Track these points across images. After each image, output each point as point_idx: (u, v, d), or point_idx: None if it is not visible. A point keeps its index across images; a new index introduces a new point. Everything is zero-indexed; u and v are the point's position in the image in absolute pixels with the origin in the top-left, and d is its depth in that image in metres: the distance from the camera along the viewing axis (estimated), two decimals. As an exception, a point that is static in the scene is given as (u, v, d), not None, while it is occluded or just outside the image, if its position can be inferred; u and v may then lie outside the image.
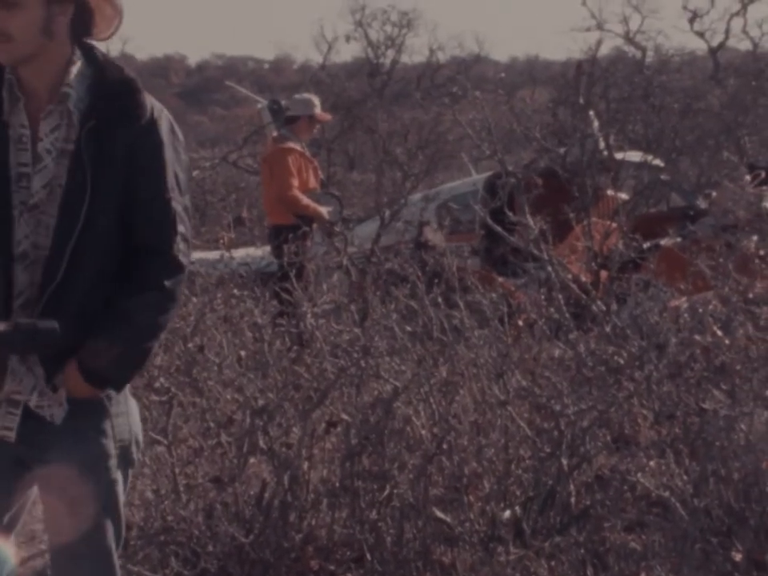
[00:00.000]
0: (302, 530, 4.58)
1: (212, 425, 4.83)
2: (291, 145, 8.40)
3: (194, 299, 5.70)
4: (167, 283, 3.01)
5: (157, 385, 4.89)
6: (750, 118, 13.24)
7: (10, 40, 2.91)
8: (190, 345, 5.04)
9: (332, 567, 4.50)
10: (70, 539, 3.17)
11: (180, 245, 3.02)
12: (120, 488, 3.15)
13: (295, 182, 8.27)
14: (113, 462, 3.10)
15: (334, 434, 4.85)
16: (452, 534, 4.42)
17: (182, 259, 3.05)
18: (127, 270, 3.02)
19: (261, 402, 4.70)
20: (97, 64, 3.01)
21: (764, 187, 8.40)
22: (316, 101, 8.84)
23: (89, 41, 3.04)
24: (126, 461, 3.12)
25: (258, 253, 8.93)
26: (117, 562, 3.20)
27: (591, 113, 9.57)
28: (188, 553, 4.54)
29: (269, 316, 5.49)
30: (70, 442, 3.05)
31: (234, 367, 5.02)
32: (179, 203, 3.03)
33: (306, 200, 8.34)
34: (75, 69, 2.99)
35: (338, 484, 4.63)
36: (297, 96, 9.11)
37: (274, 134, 9.05)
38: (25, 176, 2.94)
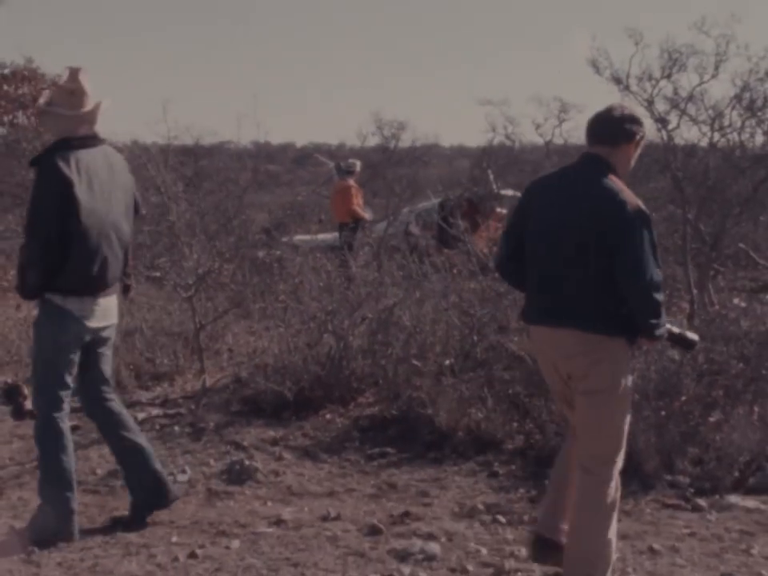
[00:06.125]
0: (348, 369, 4.99)
1: (306, 318, 5.13)
2: (350, 183, 9.84)
3: (298, 258, 6.26)
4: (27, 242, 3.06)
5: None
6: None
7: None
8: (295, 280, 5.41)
9: (363, 387, 4.99)
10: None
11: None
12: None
13: (355, 201, 9.69)
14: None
15: (364, 324, 5.21)
16: (421, 372, 4.77)
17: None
18: None
19: (329, 308, 5.08)
20: None
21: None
22: (358, 162, 10.33)
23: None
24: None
25: (329, 236, 10.50)
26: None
27: (489, 171, 11.43)
28: (290, 380, 4.76)
29: (334, 265, 5.96)
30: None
31: (317, 291, 5.37)
32: None
33: (360, 210, 9.67)
34: None
35: (365, 348, 5.02)
36: (350, 160, 10.74)
37: (338, 178, 10.20)
38: None
